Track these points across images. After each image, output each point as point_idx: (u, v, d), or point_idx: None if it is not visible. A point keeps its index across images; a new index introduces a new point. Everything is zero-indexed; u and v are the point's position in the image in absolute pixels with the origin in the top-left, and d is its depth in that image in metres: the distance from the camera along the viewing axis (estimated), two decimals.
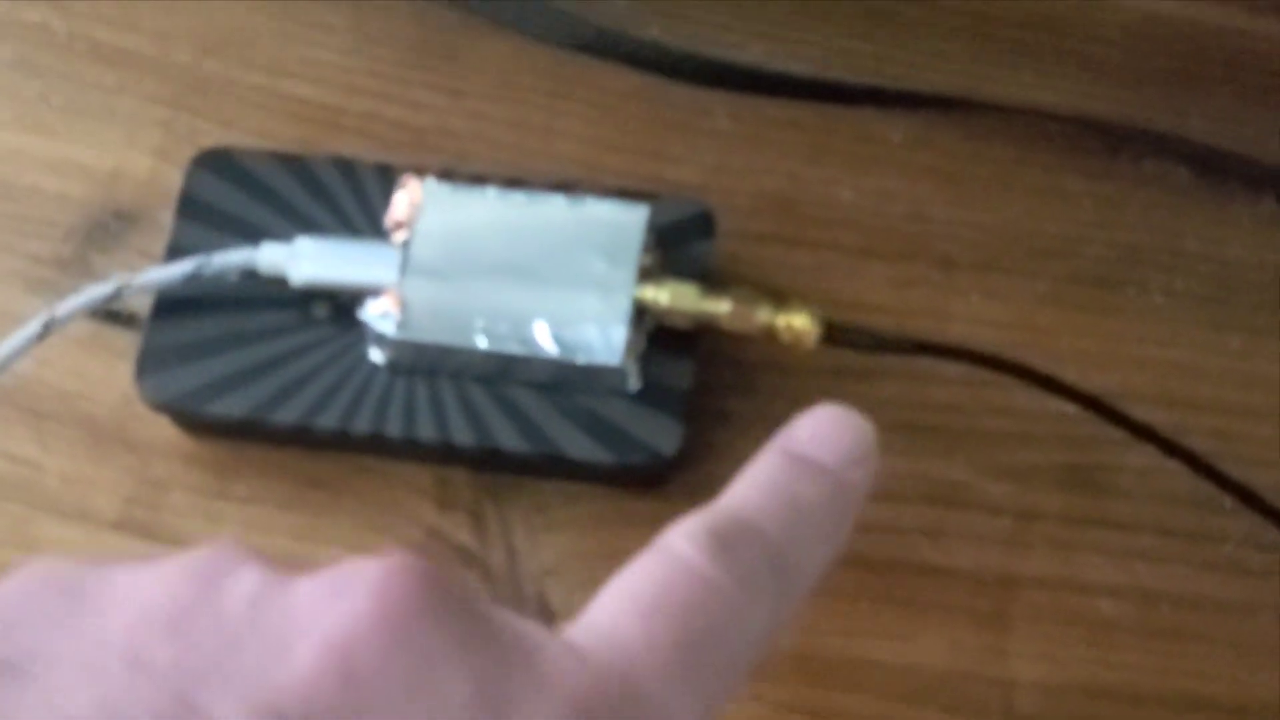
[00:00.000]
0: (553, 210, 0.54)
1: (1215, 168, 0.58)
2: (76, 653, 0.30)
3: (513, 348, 0.52)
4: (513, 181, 0.55)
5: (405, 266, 0.52)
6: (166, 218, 0.56)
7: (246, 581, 0.32)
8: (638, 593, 0.34)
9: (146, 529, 0.53)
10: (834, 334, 0.52)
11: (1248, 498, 0.53)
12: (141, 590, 0.31)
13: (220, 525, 0.53)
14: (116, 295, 0.53)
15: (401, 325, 0.52)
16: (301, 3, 0.61)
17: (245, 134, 0.59)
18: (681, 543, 0.35)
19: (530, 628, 0.32)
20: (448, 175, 0.55)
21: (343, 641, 0.29)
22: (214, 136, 0.58)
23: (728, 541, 0.35)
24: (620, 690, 0.32)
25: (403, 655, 0.29)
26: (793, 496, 0.37)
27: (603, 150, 0.59)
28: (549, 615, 0.52)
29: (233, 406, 0.52)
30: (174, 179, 0.57)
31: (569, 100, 0.60)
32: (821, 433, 0.39)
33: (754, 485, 0.37)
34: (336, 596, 0.30)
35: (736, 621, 0.34)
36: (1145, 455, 0.54)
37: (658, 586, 0.34)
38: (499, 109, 0.60)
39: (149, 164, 0.58)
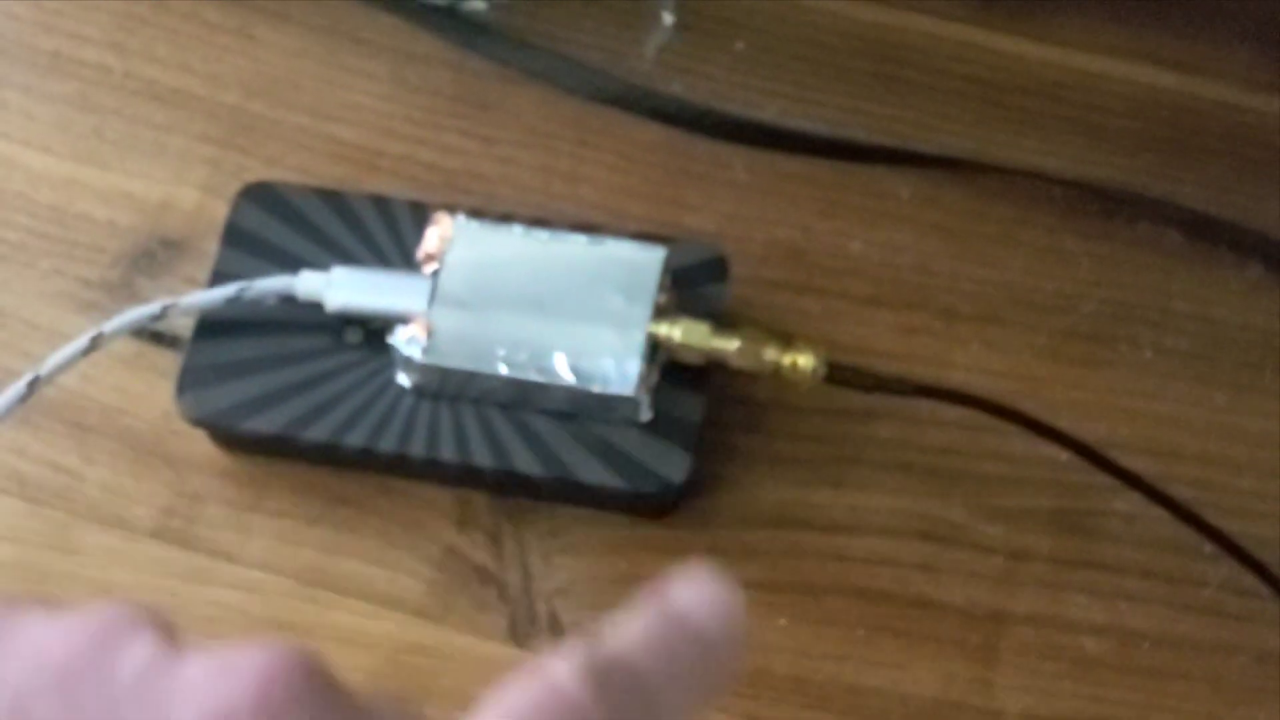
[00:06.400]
0: (575, 249, 0.56)
1: (1206, 233, 0.61)
2: None
3: (532, 375, 0.54)
4: (538, 221, 0.58)
5: (434, 296, 0.55)
6: (211, 247, 0.59)
7: (139, 651, 0.31)
8: (513, 708, 0.34)
9: (182, 539, 0.56)
10: (837, 373, 0.55)
11: (1227, 545, 0.55)
12: (42, 642, 0.32)
13: (251, 537, 0.56)
14: (162, 315, 0.56)
15: (428, 351, 0.55)
16: (345, 51, 0.64)
17: (288, 172, 0.62)
18: (560, 669, 0.35)
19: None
20: (477, 213, 0.58)
21: None
22: (258, 173, 0.61)
23: (604, 677, 0.35)
24: None
25: None
26: (669, 651, 0.37)
27: (625, 197, 0.62)
28: (559, 632, 0.54)
29: (267, 423, 0.55)
30: (219, 211, 0.60)
31: (594, 149, 0.63)
32: (702, 600, 0.38)
33: (631, 630, 0.37)
34: (220, 678, 0.31)
35: None
36: (1131, 502, 0.56)
37: (531, 705, 0.34)
38: (528, 155, 0.63)
39: (196, 197, 0.61)
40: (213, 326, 0.57)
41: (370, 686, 0.32)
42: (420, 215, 0.58)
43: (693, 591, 0.38)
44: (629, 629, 0.37)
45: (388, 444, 0.55)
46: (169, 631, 0.32)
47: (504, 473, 0.55)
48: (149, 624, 0.32)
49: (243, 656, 0.31)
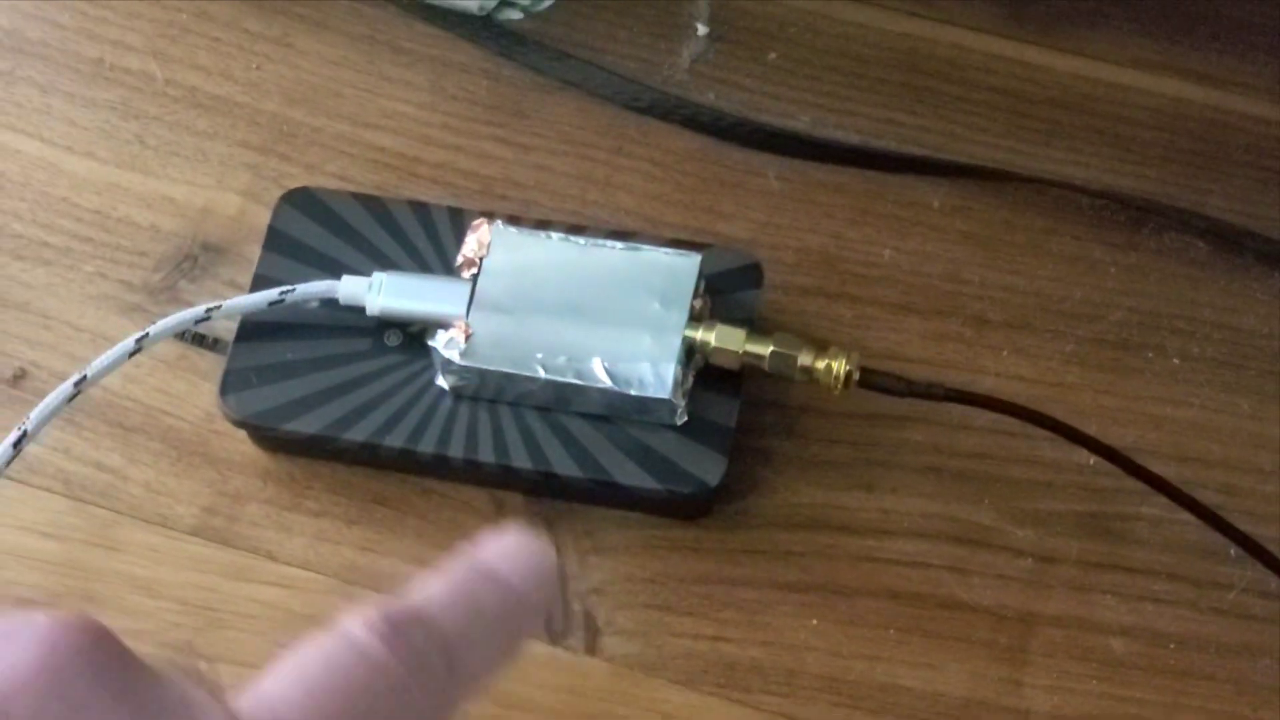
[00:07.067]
0: (612, 255, 0.57)
1: (1232, 243, 0.62)
2: None
3: (570, 378, 0.55)
4: (575, 228, 0.59)
5: (473, 301, 0.56)
6: (252, 252, 0.60)
7: None
8: (307, 668, 0.34)
9: (223, 537, 0.57)
10: (869, 378, 0.56)
11: (1253, 549, 0.56)
12: None
13: (291, 536, 0.57)
14: (206, 317, 0.57)
15: (467, 354, 0.55)
16: (384, 60, 0.65)
17: (327, 178, 0.63)
18: (355, 625, 0.35)
19: (197, 695, 0.32)
20: (515, 220, 0.58)
21: (2, 687, 0.30)
22: (299, 180, 0.62)
23: (400, 627, 0.35)
24: None
25: (59, 705, 0.30)
26: (472, 601, 0.37)
27: (659, 204, 0.63)
28: (594, 631, 0.55)
29: (308, 424, 0.56)
30: (260, 217, 0.61)
31: (629, 157, 0.64)
32: (508, 553, 0.39)
33: (438, 585, 0.38)
34: (3, 643, 0.31)
35: (400, 704, 0.34)
36: (1159, 506, 0.57)
37: (326, 664, 0.34)
38: (563, 163, 0.64)
39: (237, 202, 0.62)
40: (255, 329, 0.58)
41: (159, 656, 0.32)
42: (458, 221, 0.59)
43: (500, 546, 0.39)
44: (432, 584, 0.37)
45: (426, 445, 0.56)
46: None
47: (541, 474, 0.56)
48: None
49: (24, 623, 0.31)
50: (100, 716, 0.31)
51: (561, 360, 0.55)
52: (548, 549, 0.40)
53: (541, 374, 0.55)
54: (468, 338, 0.56)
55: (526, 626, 0.39)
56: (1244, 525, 0.56)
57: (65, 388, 0.56)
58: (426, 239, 0.59)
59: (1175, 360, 0.60)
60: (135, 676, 0.32)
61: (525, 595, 0.39)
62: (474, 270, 0.57)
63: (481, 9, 0.66)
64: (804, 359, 0.55)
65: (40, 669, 0.30)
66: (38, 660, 0.31)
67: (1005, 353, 0.60)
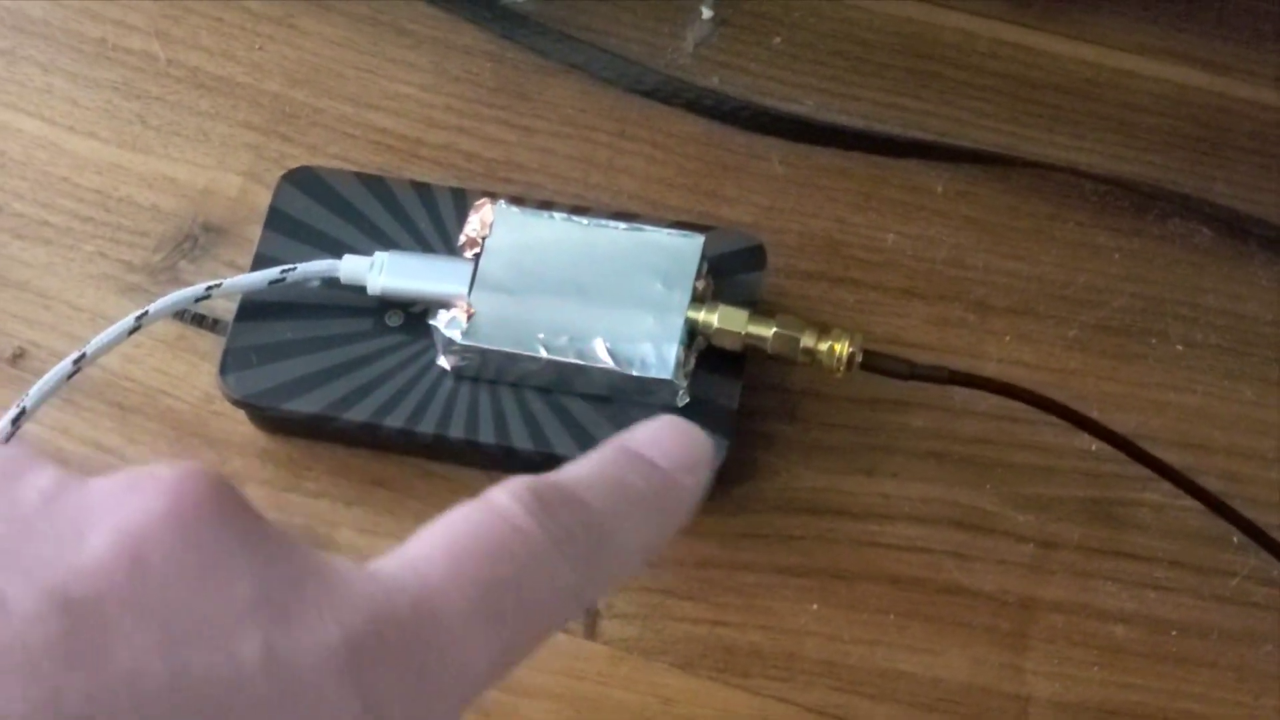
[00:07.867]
0: (615, 235, 0.57)
1: (1236, 230, 0.62)
2: None
3: (571, 359, 0.55)
4: (578, 209, 0.58)
5: (475, 280, 0.56)
6: (253, 233, 0.60)
7: (43, 478, 0.32)
8: (450, 533, 0.34)
9: None
10: (872, 360, 0.55)
11: (1256, 535, 0.56)
12: None
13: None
14: (206, 295, 0.57)
15: (469, 333, 0.55)
16: (387, 41, 0.65)
17: (330, 160, 0.63)
18: (501, 495, 0.35)
19: (333, 557, 0.33)
20: (518, 200, 0.58)
21: (135, 532, 0.30)
22: (300, 161, 0.62)
23: (547, 501, 0.35)
24: (413, 612, 0.32)
25: (192, 552, 0.30)
26: (620, 482, 0.37)
27: (662, 188, 0.62)
28: (594, 615, 0.55)
29: (307, 404, 0.56)
30: (261, 198, 0.60)
31: (632, 140, 0.64)
32: (659, 437, 0.39)
33: (584, 466, 0.38)
34: (131, 493, 0.31)
35: (544, 575, 0.34)
36: (1161, 493, 0.57)
37: (470, 529, 0.34)
38: (566, 145, 0.63)
39: (238, 183, 0.62)
40: (255, 309, 0.58)
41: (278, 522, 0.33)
42: (461, 201, 0.59)
43: (650, 431, 0.39)
44: (580, 465, 0.37)
45: (427, 426, 0.56)
46: (63, 466, 0.33)
47: (542, 455, 0.55)
48: (43, 458, 0.33)
49: (150, 474, 0.31)
50: (234, 565, 0.31)
51: (563, 340, 0.55)
52: (699, 433, 0.40)
53: (543, 354, 0.55)
54: (469, 317, 0.55)
55: (678, 511, 0.39)
56: (1247, 512, 0.56)
57: (64, 365, 0.56)
58: (428, 219, 0.59)
59: (1178, 346, 0.60)
60: (263, 528, 0.32)
61: (675, 479, 0.38)
62: (476, 250, 0.57)
63: None
64: (807, 340, 0.55)
65: (170, 518, 0.30)
66: (167, 509, 0.31)
67: (1008, 338, 0.60)
